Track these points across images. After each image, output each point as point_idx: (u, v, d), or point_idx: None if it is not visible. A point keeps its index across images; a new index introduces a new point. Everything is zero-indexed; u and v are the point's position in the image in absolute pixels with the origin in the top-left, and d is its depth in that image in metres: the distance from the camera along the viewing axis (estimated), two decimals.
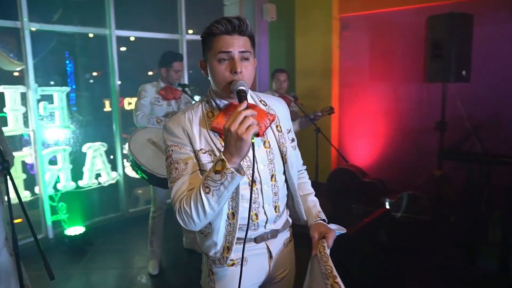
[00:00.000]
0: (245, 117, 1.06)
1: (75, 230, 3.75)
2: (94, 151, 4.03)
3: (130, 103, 4.89)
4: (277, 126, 1.37)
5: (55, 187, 3.82)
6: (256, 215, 1.31)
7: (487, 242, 3.40)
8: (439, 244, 3.44)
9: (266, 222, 1.33)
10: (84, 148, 4.00)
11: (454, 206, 3.91)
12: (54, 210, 3.83)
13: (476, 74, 3.81)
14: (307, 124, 3.71)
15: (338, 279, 1.14)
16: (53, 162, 3.82)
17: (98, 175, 4.10)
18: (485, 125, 4.04)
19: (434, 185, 3.99)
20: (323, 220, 1.41)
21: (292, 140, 1.43)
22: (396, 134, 4.83)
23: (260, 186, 1.30)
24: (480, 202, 3.59)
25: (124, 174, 4.30)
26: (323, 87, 5.31)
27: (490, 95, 4.06)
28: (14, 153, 3.52)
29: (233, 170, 1.08)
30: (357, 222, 2.96)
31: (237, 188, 1.23)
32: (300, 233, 1.57)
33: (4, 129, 3.45)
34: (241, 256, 1.21)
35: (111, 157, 4.28)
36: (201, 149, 1.24)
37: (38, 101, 3.66)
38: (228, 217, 1.27)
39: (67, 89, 3.87)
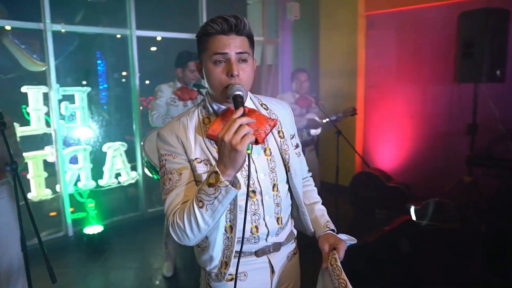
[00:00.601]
0: (241, 125, 0.97)
1: (93, 229, 3.79)
2: (114, 151, 4.07)
3: None
4: (279, 132, 1.28)
5: (75, 185, 3.89)
6: (257, 227, 1.22)
7: None
8: (467, 256, 3.25)
9: (267, 235, 1.25)
10: (105, 148, 4.05)
11: (484, 215, 3.69)
12: (78, 208, 3.89)
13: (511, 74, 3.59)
14: (329, 125, 3.59)
15: None
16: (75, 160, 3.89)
17: (118, 175, 4.13)
18: None
19: (463, 192, 3.77)
20: (332, 230, 1.31)
21: (296, 146, 1.34)
22: (424, 137, 4.62)
23: (260, 197, 1.22)
24: None
25: (144, 173, 4.32)
26: (348, 88, 5.15)
27: None
28: (35, 152, 3.61)
29: (227, 183, 1.01)
30: (379, 229, 2.84)
31: (235, 200, 1.14)
32: (306, 244, 1.48)
33: (26, 128, 3.55)
34: (241, 271, 1.14)
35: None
36: (196, 158, 1.16)
37: (60, 101, 3.72)
38: (225, 230, 1.19)
39: (88, 89, 3.92)
